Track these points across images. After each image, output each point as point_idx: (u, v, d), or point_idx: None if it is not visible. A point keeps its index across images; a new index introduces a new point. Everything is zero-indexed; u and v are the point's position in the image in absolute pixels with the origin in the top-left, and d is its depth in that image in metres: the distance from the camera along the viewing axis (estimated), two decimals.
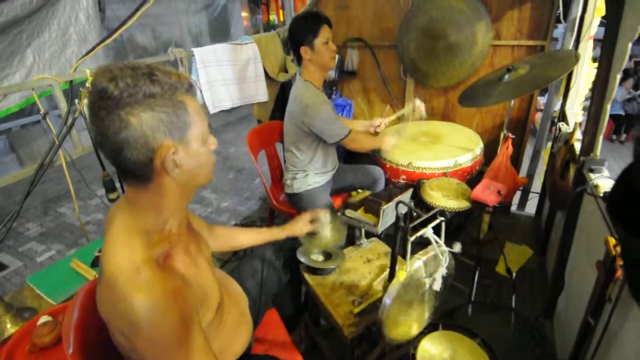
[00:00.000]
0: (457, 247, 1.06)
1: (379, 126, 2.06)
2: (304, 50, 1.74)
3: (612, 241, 0.94)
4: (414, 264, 0.99)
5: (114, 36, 1.57)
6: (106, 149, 0.67)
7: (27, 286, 1.44)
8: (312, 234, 1.36)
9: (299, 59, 1.81)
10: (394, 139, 1.91)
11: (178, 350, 0.69)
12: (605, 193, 1.14)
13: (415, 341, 1.13)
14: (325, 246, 1.36)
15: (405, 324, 1.10)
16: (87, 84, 1.48)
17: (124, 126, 0.64)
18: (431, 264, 1.04)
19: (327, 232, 1.35)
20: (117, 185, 1.66)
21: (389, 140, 1.90)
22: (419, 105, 1.97)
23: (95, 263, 1.53)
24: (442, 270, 1.04)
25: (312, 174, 1.93)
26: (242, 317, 1.04)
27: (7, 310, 1.22)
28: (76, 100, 1.49)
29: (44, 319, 1.12)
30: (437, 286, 1.06)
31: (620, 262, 0.91)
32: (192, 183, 0.78)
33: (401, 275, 0.97)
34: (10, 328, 1.20)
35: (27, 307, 1.33)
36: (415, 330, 1.14)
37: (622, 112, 5.67)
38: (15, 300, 1.37)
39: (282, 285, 1.34)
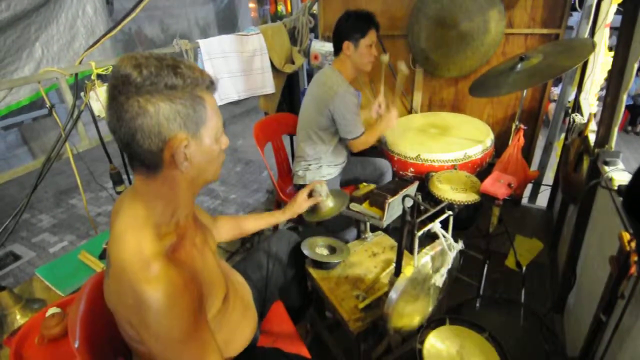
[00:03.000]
0: (460, 244, 1.05)
1: (380, 108, 2.00)
2: (346, 45, 1.76)
3: (627, 236, 0.91)
4: (422, 259, 0.98)
5: (119, 27, 1.56)
6: (120, 133, 0.67)
7: (36, 278, 1.46)
8: (313, 209, 1.34)
9: (336, 51, 1.82)
10: (394, 113, 1.85)
11: (185, 343, 0.69)
12: (620, 186, 1.11)
13: (422, 336, 1.12)
14: (328, 215, 1.31)
15: (409, 316, 1.09)
16: (93, 77, 1.48)
17: (141, 112, 0.64)
18: (438, 259, 1.03)
19: (328, 201, 1.32)
20: (125, 177, 1.67)
21: (390, 119, 1.84)
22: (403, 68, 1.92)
23: (103, 255, 1.54)
24: (449, 265, 1.03)
25: (325, 166, 1.92)
26: (246, 309, 1.03)
27: (16, 301, 1.24)
28: (82, 93, 1.49)
29: (52, 310, 1.13)
30: (441, 281, 1.04)
31: (635, 258, 0.88)
32: (199, 178, 0.78)
33: (408, 271, 0.96)
34: (20, 319, 1.22)
35: (37, 298, 1.35)
36: (417, 321, 1.13)
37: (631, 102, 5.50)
38: (25, 292, 1.39)
39: (287, 278, 1.34)
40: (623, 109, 1.21)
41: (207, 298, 0.82)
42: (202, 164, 0.75)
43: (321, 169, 1.91)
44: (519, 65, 1.64)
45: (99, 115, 1.51)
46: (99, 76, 1.50)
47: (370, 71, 1.92)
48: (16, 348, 1.08)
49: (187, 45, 1.85)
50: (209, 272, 0.85)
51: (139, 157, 0.70)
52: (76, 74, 1.49)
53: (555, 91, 4.51)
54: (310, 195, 1.34)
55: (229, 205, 3.31)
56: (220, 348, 0.79)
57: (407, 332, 1.12)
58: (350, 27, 1.74)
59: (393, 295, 0.97)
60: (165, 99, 0.66)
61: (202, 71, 0.72)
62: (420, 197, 1.07)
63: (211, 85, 0.74)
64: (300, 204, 1.32)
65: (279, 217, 1.32)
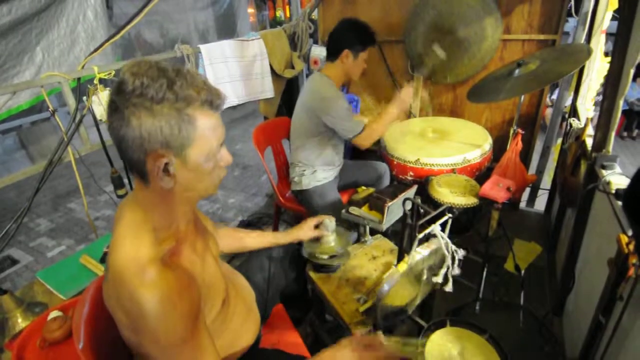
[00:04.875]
0: (460, 253, 1.07)
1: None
2: (346, 54, 1.77)
3: (625, 239, 0.92)
4: (415, 257, 1.00)
5: (122, 33, 1.58)
6: (112, 136, 0.69)
7: (37, 281, 1.46)
8: (316, 239, 1.34)
9: (330, 56, 1.83)
10: (410, 89, 1.80)
11: (182, 347, 0.70)
12: (617, 190, 1.12)
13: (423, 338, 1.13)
14: (325, 253, 1.32)
15: (395, 297, 1.11)
16: (95, 81, 1.49)
17: (125, 124, 0.65)
18: (433, 258, 1.05)
19: (332, 238, 1.33)
20: (125, 181, 1.67)
21: (405, 94, 1.79)
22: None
23: (103, 259, 1.55)
24: (447, 267, 1.05)
25: (320, 170, 1.93)
26: (249, 311, 1.04)
27: (18, 305, 1.24)
28: (84, 97, 1.50)
29: (54, 314, 1.13)
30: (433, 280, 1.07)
31: (633, 260, 0.89)
32: (189, 193, 0.77)
33: (401, 267, 0.98)
34: (21, 323, 1.22)
35: (38, 302, 1.34)
36: (400, 303, 1.14)
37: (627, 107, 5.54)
38: (26, 295, 1.39)
39: (289, 281, 1.34)
40: (620, 114, 1.23)
41: (206, 302, 0.83)
42: (190, 182, 0.73)
43: (316, 174, 1.92)
44: (517, 71, 1.66)
45: (100, 119, 1.51)
46: (100, 80, 1.51)
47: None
48: (18, 352, 1.08)
49: (188, 50, 1.86)
50: (208, 277, 0.85)
51: (129, 163, 0.71)
52: (78, 78, 1.50)
53: (552, 96, 4.55)
54: (317, 226, 1.33)
55: (228, 210, 3.31)
56: (219, 352, 0.79)
57: (392, 310, 1.13)
58: (354, 38, 1.76)
59: (385, 287, 0.98)
60: (149, 113, 0.64)
61: (202, 89, 0.68)
62: (419, 200, 1.08)
63: (210, 104, 0.70)
64: (305, 232, 1.31)
65: (281, 239, 1.31)
